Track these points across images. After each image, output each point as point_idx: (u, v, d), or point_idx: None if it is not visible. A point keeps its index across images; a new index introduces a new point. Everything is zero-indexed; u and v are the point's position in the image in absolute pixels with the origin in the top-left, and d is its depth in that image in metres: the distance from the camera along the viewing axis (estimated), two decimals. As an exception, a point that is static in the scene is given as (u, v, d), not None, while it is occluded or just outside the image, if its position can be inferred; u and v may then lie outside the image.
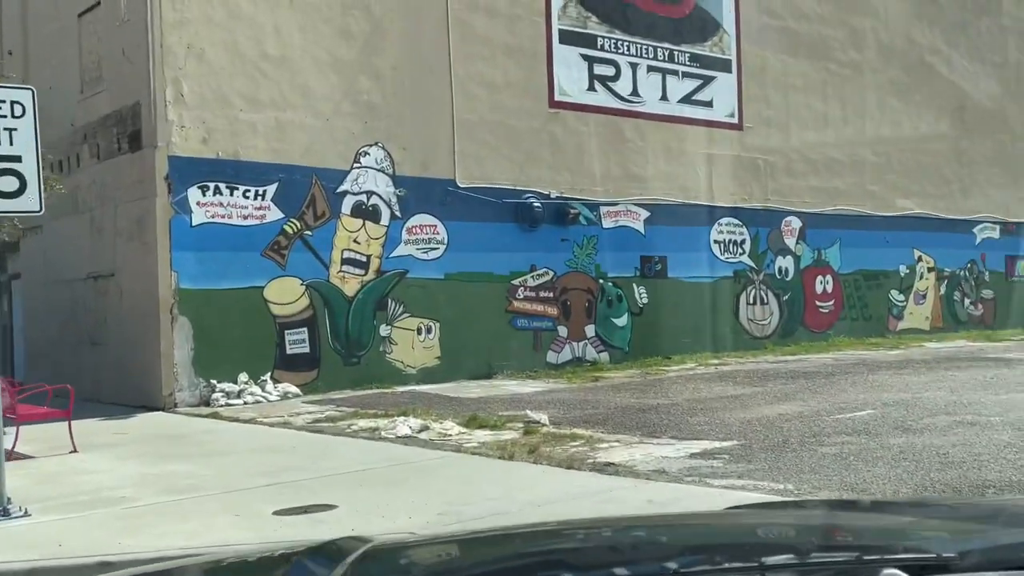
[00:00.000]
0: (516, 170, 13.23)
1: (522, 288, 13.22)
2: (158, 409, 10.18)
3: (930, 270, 18.87)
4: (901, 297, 18.29)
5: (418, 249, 12.27)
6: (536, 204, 13.32)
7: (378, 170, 11.97)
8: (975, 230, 19.73)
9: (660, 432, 7.49)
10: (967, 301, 19.51)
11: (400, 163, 12.14)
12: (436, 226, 12.44)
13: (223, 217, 10.74)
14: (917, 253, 18.63)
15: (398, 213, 12.13)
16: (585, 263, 13.90)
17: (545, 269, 13.45)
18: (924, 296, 18.75)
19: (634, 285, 14.43)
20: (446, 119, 12.55)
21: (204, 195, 10.63)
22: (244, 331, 10.80)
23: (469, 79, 12.78)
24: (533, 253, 13.34)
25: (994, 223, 20.04)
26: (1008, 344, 16.00)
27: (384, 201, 12.03)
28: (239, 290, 10.81)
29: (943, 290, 19.10)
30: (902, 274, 18.35)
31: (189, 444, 7.94)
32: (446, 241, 12.49)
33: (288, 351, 11.15)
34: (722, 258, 15.59)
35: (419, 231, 12.29)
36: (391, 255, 12.04)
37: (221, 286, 10.69)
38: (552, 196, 13.53)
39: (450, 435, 7.63)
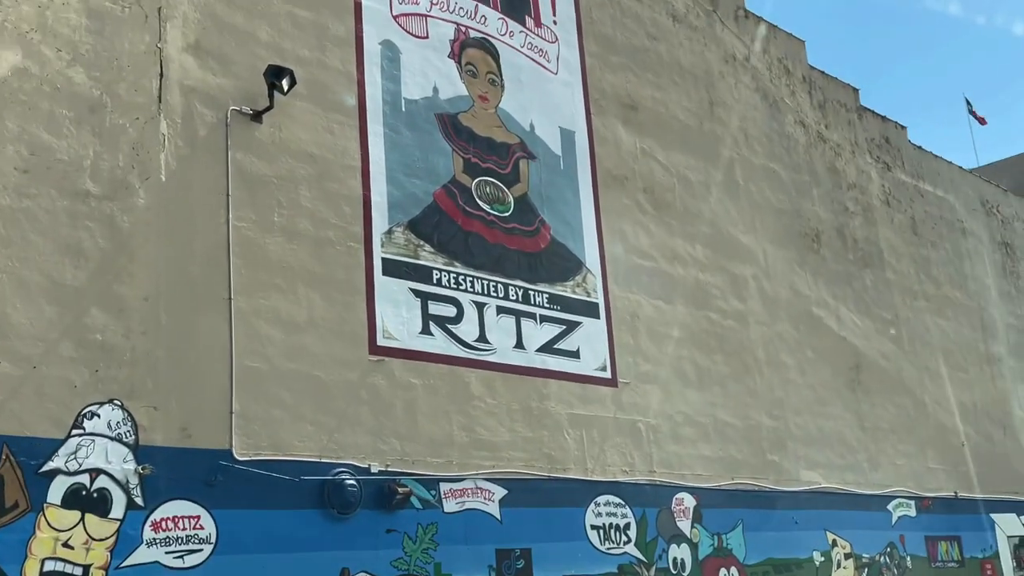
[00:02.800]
0: (323, 437, 9.78)
1: (329, 603, 9.38)
2: None
3: (847, 556, 15.78)
4: (820, 591, 15.00)
5: (169, 552, 8.41)
6: (350, 482, 9.78)
7: (111, 439, 8.33)
8: (890, 507, 16.96)
9: None
10: (893, 593, 16.35)
11: (148, 428, 8.56)
12: (199, 518, 8.68)
13: None
14: (831, 536, 15.58)
15: (140, 501, 8.37)
16: (420, 563, 10.21)
17: (362, 574, 9.69)
18: (845, 589, 15.51)
19: (489, 591, 10.74)
20: (221, 369, 9.17)
21: None
22: None
23: (257, 316, 9.58)
24: (345, 552, 9.61)
25: (908, 498, 17.36)
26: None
27: (118, 483, 8.29)
28: None
29: (864, 580, 15.93)
30: (817, 563, 15.16)
31: None
32: (213, 539, 8.70)
33: None
34: (603, 548, 12.14)
35: (172, 526, 8.50)
36: (124, 564, 8.15)
37: None
38: (374, 471, 10.05)
39: None
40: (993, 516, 19.24)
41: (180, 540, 8.49)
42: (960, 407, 19.59)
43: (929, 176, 21.55)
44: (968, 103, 26.92)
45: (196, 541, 8.59)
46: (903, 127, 21.24)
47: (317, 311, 10.08)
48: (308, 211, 10.27)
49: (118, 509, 8.25)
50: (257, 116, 10.07)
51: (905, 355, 18.64)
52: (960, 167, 22.91)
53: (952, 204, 21.96)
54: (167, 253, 9.09)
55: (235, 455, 9.02)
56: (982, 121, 26.36)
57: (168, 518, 8.48)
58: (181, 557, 8.47)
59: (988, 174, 25.71)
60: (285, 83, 9.96)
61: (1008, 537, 19.45)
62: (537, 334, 12.27)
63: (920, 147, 21.61)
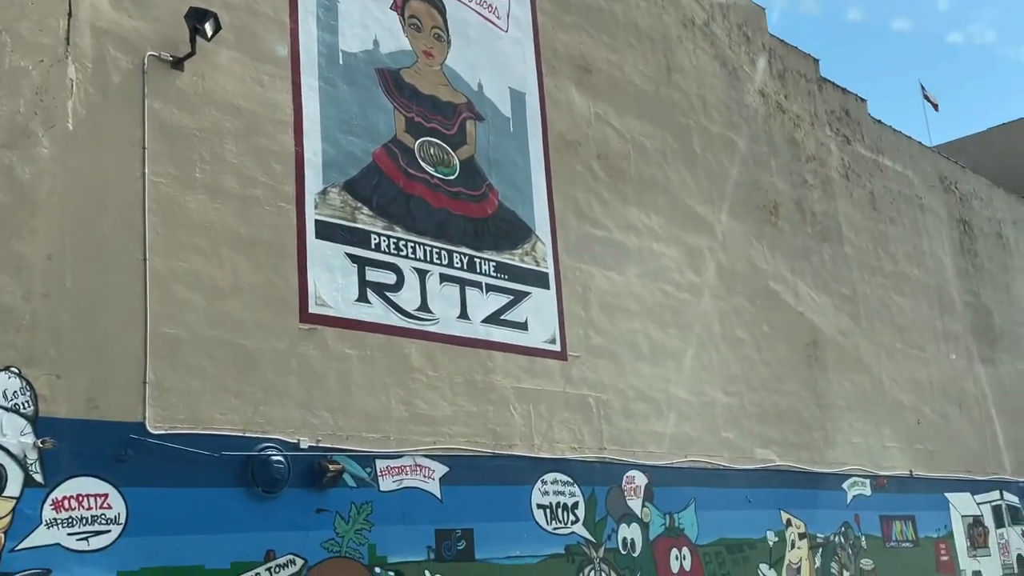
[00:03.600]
0: (247, 409, 9.09)
1: (252, 587, 8.73)
2: None
3: (801, 536, 15.40)
4: (772, 573, 14.60)
5: (72, 534, 7.70)
6: (277, 459, 9.11)
7: (7, 409, 7.58)
8: (845, 486, 16.62)
9: None
10: (846, 574, 16.00)
11: (49, 399, 7.82)
12: (107, 496, 7.97)
13: None
14: (785, 515, 15.19)
15: (39, 478, 7.64)
16: (353, 544, 9.59)
17: (290, 556, 9.04)
18: (798, 570, 15.13)
19: (427, 573, 10.13)
20: (134, 335, 8.44)
21: None
22: None
23: (175, 279, 8.84)
24: (271, 533, 8.96)
25: (864, 477, 17.03)
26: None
27: (14, 459, 7.55)
28: None
29: (818, 561, 15.57)
30: (771, 543, 14.76)
31: None
32: (123, 519, 8.00)
33: None
34: (549, 528, 11.59)
35: (75, 505, 7.78)
36: (20, 547, 7.43)
37: None
38: (303, 447, 9.39)
39: None
40: (948, 495, 19.03)
41: (85, 520, 7.78)
42: (916, 385, 19.33)
43: (888, 151, 21.20)
44: (922, 87, 26.67)
45: (103, 521, 7.88)
46: (863, 100, 20.84)
47: (243, 275, 9.36)
48: (234, 167, 9.54)
49: (14, 487, 7.51)
50: (178, 63, 9.30)
51: (862, 332, 18.30)
52: (920, 143, 22.59)
53: (911, 180, 21.64)
54: (74, 208, 8.32)
55: (148, 428, 8.31)
56: (935, 106, 26.07)
57: (71, 496, 7.76)
58: (86, 539, 7.76)
59: (946, 153, 25.45)
60: (209, 28, 9.18)
61: (962, 516, 19.26)
62: (483, 304, 11.65)
63: (880, 121, 21.23)
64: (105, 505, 7.93)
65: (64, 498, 7.71)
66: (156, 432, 8.34)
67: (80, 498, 7.80)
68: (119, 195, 8.63)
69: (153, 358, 8.47)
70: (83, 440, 7.89)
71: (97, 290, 8.29)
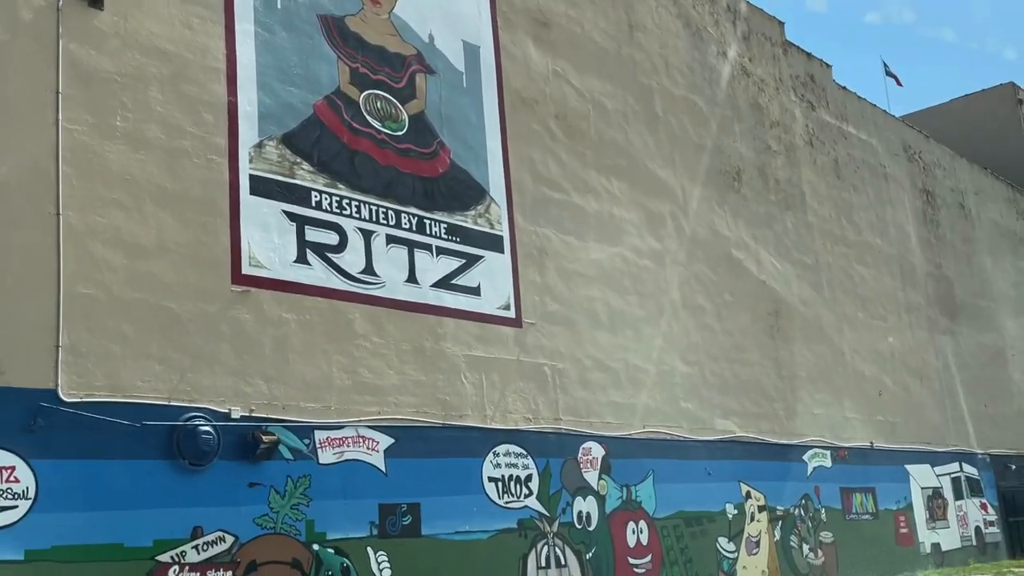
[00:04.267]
0: (173, 377, 8.45)
1: (178, 567, 8.11)
2: None
3: (761, 509, 15.05)
4: (731, 547, 14.24)
5: (-26, 510, 7.07)
6: (205, 429, 8.50)
7: (-101, 373, 6.90)
8: (806, 457, 16.29)
9: None
10: (806, 548, 15.71)
11: (-51, 362, 7.14)
12: (13, 469, 7.32)
13: None
14: (745, 488, 14.82)
15: (-64, 448, 6.99)
16: (289, 520, 9.01)
17: (219, 533, 8.45)
18: (757, 543, 14.79)
19: (369, 550, 9.59)
20: (45, 296, 7.76)
21: None
22: None
23: (92, 236, 8.15)
24: (198, 508, 8.35)
25: (824, 448, 16.72)
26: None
27: (-92, 427, 6.89)
28: None
29: (778, 534, 15.23)
30: (730, 516, 14.39)
31: None
32: (32, 494, 7.36)
33: None
34: (501, 502, 11.10)
35: (-23, 478, 7.14)
36: (-86, 523, 6.79)
37: None
38: (235, 416, 8.78)
39: None
40: (907, 467, 18.81)
41: (-12, 496, 7.14)
42: (878, 356, 19.04)
43: (853, 118, 20.79)
44: (885, 64, 26.26)
45: (9, 496, 7.24)
46: (828, 65, 20.39)
47: (168, 233, 8.69)
48: (159, 116, 8.83)
49: (-93, 460, 6.86)
50: (97, 2, 8.56)
51: (825, 301, 17.94)
52: (884, 111, 22.21)
53: (875, 148, 21.27)
54: (-22, 156, 7.60)
55: (61, 396, 7.66)
56: (898, 82, 25.73)
57: (-28, 470, 7.11)
58: (-11, 516, 7.12)
59: (909, 123, 25.14)
60: (130, -37, 8.45)
61: (922, 488, 19.06)
62: (433, 267, 11.05)
63: (845, 88, 20.80)
64: (11, 479, 7.28)
65: (-36, 472, 7.06)
66: (70, 400, 7.69)
67: (-17, 472, 7.15)
68: (29, 143, 7.91)
69: (67, 321, 7.80)
70: (-14, 409, 7.23)
71: (2, 246, 7.58)
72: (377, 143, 10.81)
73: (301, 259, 9.73)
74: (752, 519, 14.81)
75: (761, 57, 18.35)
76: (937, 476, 19.71)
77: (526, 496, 11.42)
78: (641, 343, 13.69)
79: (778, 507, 15.38)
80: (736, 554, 14.29)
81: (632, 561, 12.58)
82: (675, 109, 15.71)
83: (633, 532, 12.73)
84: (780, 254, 17.14)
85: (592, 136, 13.89)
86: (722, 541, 14.12)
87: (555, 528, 11.62)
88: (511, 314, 11.87)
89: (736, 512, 14.51)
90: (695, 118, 16.11)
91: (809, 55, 19.92)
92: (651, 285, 14.17)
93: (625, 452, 12.88)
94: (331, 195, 10.16)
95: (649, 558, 12.81)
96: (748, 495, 14.86)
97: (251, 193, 9.42)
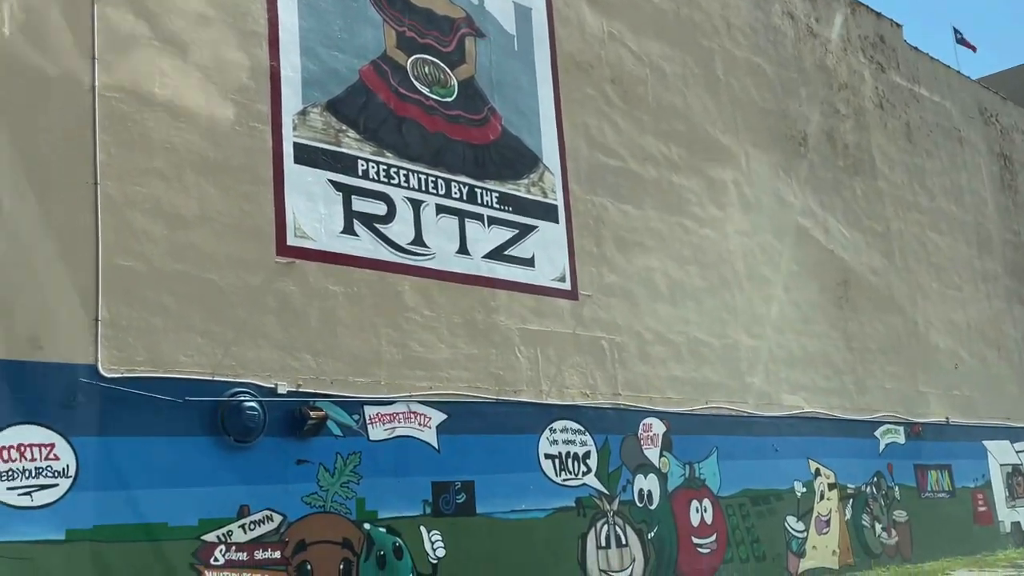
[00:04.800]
0: (217, 351, 8.20)
1: (224, 546, 7.89)
2: None
3: (831, 487, 14.45)
4: (800, 526, 13.68)
5: (12, 488, 6.87)
6: (250, 405, 8.24)
7: (-65, 348, 6.73)
8: (877, 434, 15.62)
9: None
10: (879, 527, 15.07)
11: (-14, 337, 6.95)
12: (53, 446, 7.12)
13: None
14: (814, 465, 14.23)
15: (-26, 425, 6.81)
16: (339, 498, 8.73)
17: (266, 512, 8.20)
18: (828, 522, 14.21)
19: (422, 529, 9.28)
20: (83, 268, 7.54)
21: None
22: None
23: (131, 206, 7.91)
24: (244, 487, 8.11)
25: (897, 424, 16.02)
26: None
27: (-55, 403, 6.73)
28: None
29: (848, 513, 14.63)
30: (798, 494, 13.82)
31: None
32: (72, 472, 7.16)
33: None
34: (558, 480, 10.71)
35: (16, 456, 6.94)
36: (-47, 501, 6.63)
37: None
38: (281, 392, 8.51)
39: None
40: (985, 443, 18.00)
41: (27, 473, 6.94)
42: (953, 327, 18.23)
43: (925, 80, 19.86)
44: (956, 32, 24.91)
45: (49, 474, 7.05)
46: (899, 25, 19.48)
47: (210, 203, 8.42)
48: (199, 82, 8.55)
49: (-56, 436, 6.70)
50: (133, -36, 8.28)
51: (896, 271, 17.18)
52: (958, 72, 21.20)
53: (949, 111, 20.32)
54: (11, 125, 7.37)
55: (101, 371, 7.44)
56: (972, 48, 24.38)
57: (11, 447, 6.91)
58: (28, 494, 6.92)
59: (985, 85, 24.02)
60: (166, -77, 8.15)
61: (1001, 465, 18.24)
62: (484, 238, 10.66)
63: (916, 48, 19.87)
64: (51, 456, 7.09)
65: (2, 448, 6.87)
66: (110, 376, 7.47)
67: (22, 448, 6.96)
68: (65, 109, 7.67)
69: (106, 293, 7.58)
70: (24, 384, 7.04)
71: (39, 217, 7.37)
72: (425, 109, 10.43)
73: (348, 230, 9.41)
74: (822, 497, 14.23)
75: (828, 17, 17.55)
76: (1016, 452, 18.85)
77: (584, 474, 11.02)
78: (703, 315, 13.17)
79: (849, 485, 14.76)
80: (805, 533, 13.74)
81: (696, 540, 12.13)
82: (737, 72, 15.06)
83: (697, 511, 12.26)
84: (849, 222, 16.42)
85: (650, 101, 13.34)
86: (790, 520, 13.57)
87: (615, 506, 11.21)
88: (566, 286, 11.44)
89: (805, 490, 13.94)
90: (758, 81, 15.44)
91: (879, 15, 19.04)
92: (713, 255, 13.62)
93: (687, 428, 12.39)
94: (378, 163, 9.81)
95: (714, 537, 12.34)
96: (817, 472, 14.27)
97: (295, 162, 9.10)
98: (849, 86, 17.55)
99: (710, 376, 12.98)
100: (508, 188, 11.05)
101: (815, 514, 14.02)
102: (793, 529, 13.56)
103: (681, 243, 13.19)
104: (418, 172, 10.16)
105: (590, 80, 12.54)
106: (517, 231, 11.03)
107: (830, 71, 17.19)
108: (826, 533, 14.11)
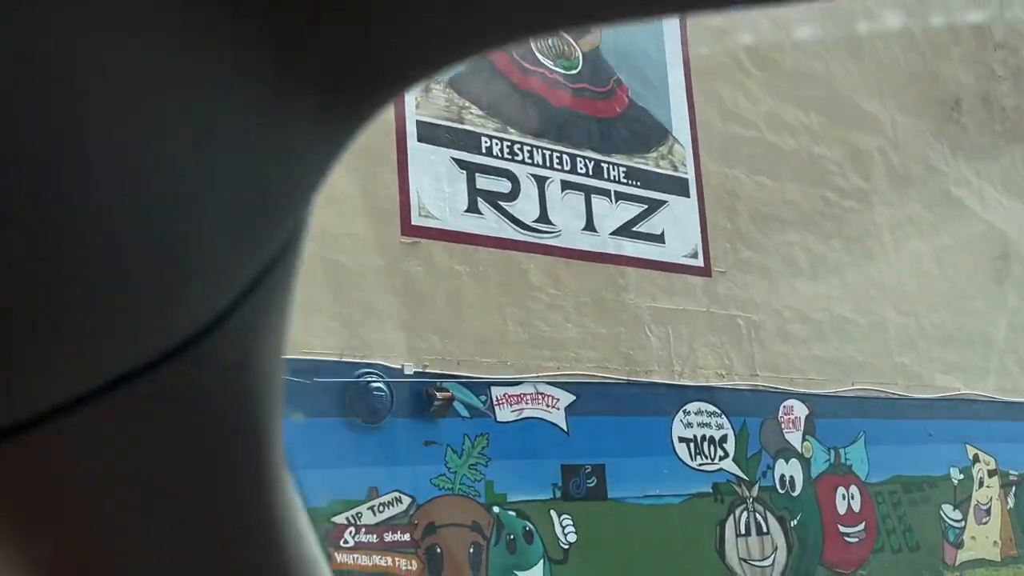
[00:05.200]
0: (344, 332, 8.19)
1: (354, 528, 7.88)
2: None
3: (991, 474, 13.53)
4: (957, 515, 12.85)
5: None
6: (379, 386, 8.19)
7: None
8: (1043, 416, 14.54)
9: None
10: (1046, 516, 14.05)
11: (121, 319, 7.11)
12: (186, 426, 7.25)
13: None
14: (972, 450, 13.35)
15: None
16: (468, 480, 8.62)
17: (395, 493, 8.15)
18: (988, 511, 13.31)
19: (553, 513, 9.08)
20: (213, 248, 7.62)
21: None
22: None
23: (258, 187, 7.95)
24: (372, 468, 8.09)
25: (1065, 406, 14.87)
26: None
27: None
28: None
29: (1011, 502, 13.67)
30: (955, 481, 12.99)
31: None
32: (205, 451, 7.27)
33: None
34: (694, 465, 10.33)
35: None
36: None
37: None
38: (408, 372, 8.44)
39: None
40: None
41: (162, 453, 7.08)
42: None
43: (1094, 35, 18.33)
44: None
45: (183, 454, 7.16)
46: (1063, -24, 18.02)
47: (334, 183, 8.35)
48: (321, 63, 8.53)
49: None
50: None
51: (1063, 242, 15.93)
52: None
53: (1121, 68, 18.69)
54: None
55: (231, 353, 7.51)
56: None
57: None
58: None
59: None
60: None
61: None
62: (612, 214, 10.34)
63: (1083, 1, 18.35)
64: (185, 436, 7.19)
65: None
66: (240, 357, 7.53)
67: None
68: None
69: (234, 275, 7.64)
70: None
71: (169, 201, 7.49)
72: (549, 83, 10.16)
73: (472, 208, 9.26)
74: (981, 485, 13.33)
75: (981, -29, 16.39)
76: None
77: (721, 458, 10.60)
78: (847, 291, 12.48)
79: (1011, 472, 13.80)
80: (963, 523, 12.89)
81: (843, 529, 11.52)
82: (882, 34, 14.20)
83: (843, 498, 11.64)
84: (1008, 190, 15.30)
85: (787, 67, 12.70)
86: (947, 508, 12.76)
87: (755, 493, 10.75)
88: (699, 262, 11.00)
89: (962, 477, 13.09)
90: (905, 43, 14.52)
91: (1038, -34, 17.67)
92: (858, 228, 12.88)
93: (832, 411, 11.78)
94: (502, 140, 9.62)
95: (862, 526, 11.70)
96: (976, 458, 13.38)
97: (418, 140, 9.00)
98: (1006, 45, 16.34)
99: (856, 356, 12.30)
100: (636, 162, 10.69)
101: (974, 502, 13.15)
102: (950, 518, 12.74)
103: (822, 216, 12.52)
104: (542, 148, 9.92)
105: (723, 47, 12.01)
106: (646, 206, 10.66)
107: (985, 30, 16.04)
108: (986, 523, 13.22)
